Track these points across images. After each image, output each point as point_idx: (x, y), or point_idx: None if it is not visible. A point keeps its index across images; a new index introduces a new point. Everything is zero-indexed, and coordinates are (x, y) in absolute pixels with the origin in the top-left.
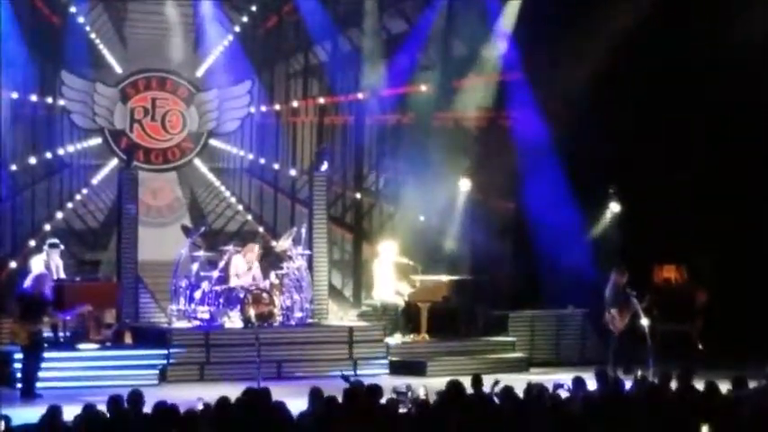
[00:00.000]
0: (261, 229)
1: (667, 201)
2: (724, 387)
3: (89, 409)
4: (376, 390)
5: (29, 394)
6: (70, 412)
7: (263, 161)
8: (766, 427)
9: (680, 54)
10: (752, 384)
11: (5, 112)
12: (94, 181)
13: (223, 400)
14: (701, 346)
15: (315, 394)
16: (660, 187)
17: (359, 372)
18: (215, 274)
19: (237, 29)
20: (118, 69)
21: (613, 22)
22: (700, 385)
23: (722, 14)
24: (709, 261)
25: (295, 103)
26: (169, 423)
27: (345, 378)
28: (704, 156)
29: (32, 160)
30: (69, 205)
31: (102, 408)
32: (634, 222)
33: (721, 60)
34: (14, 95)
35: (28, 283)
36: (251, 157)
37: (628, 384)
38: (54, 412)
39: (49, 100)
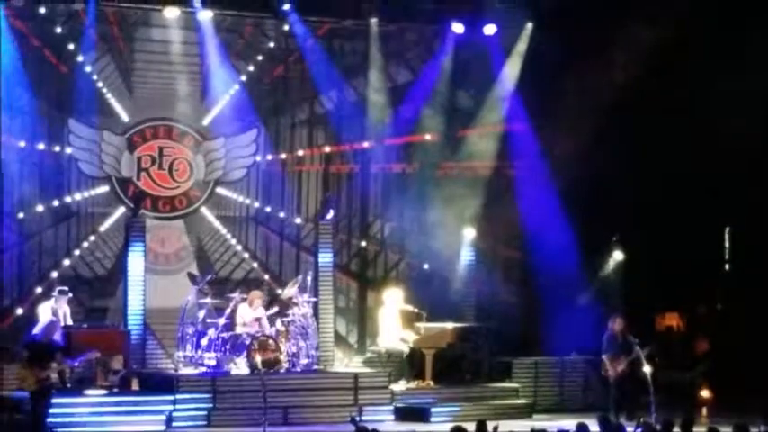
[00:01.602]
0: (267, 277)
1: (669, 248)
2: None
3: None
4: None
5: None
6: None
7: (268, 209)
8: None
9: (681, 104)
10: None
11: (13, 160)
12: (102, 228)
13: None
14: (706, 394)
15: None
16: (663, 236)
17: (363, 418)
18: (221, 320)
19: (244, 78)
20: (125, 118)
21: (613, 73)
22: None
23: (716, 60)
24: (709, 309)
25: (300, 152)
26: None
27: (354, 422)
28: (705, 206)
29: (40, 208)
30: (77, 252)
31: None
32: (637, 270)
33: (723, 107)
34: (22, 144)
35: (38, 330)
36: (257, 205)
37: (630, 430)
38: None
39: (57, 148)
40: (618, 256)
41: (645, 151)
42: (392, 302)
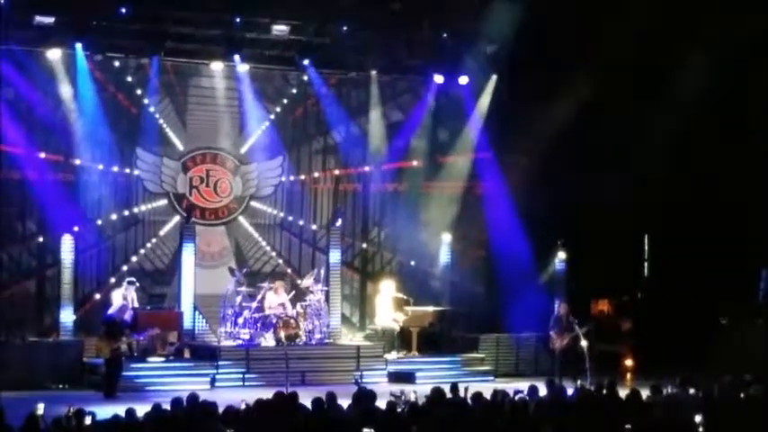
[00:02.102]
0: (289, 271)
1: (602, 250)
2: (644, 393)
3: (157, 407)
4: (374, 395)
5: (110, 396)
6: (142, 410)
7: (291, 218)
8: (674, 423)
9: (611, 137)
10: (665, 391)
11: (93, 179)
12: (161, 233)
13: (260, 402)
14: (629, 362)
15: (330, 397)
16: (597, 241)
17: (364, 380)
18: (254, 304)
19: (272, 117)
20: (180, 147)
21: (557, 113)
22: (626, 392)
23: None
24: (631, 298)
25: (316, 174)
26: (217, 418)
27: (357, 383)
28: (630, 218)
29: (113, 216)
30: (142, 251)
31: (167, 406)
32: (576, 266)
33: (642, 140)
34: (100, 167)
35: (111, 311)
36: (282, 215)
37: (570, 391)
38: (130, 411)
39: (127, 170)
40: (561, 255)
41: (583, 173)
42: (386, 291)
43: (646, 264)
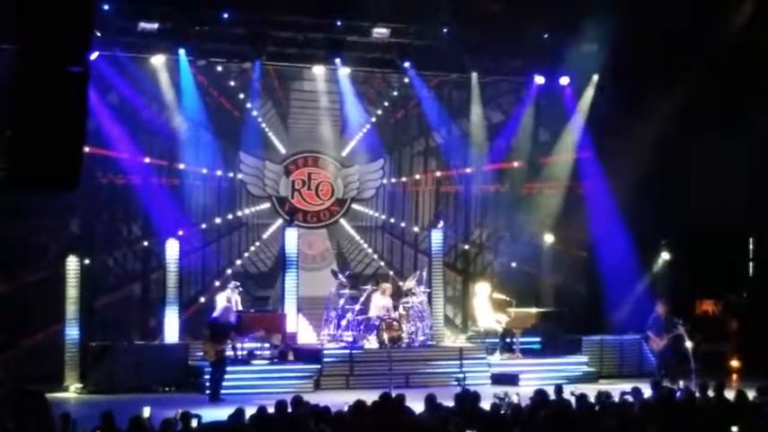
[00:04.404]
0: (391, 273)
1: (706, 250)
2: (751, 395)
3: (262, 410)
4: (477, 396)
5: (215, 399)
6: (247, 413)
7: (393, 220)
8: None
9: (714, 140)
10: None
11: (197, 183)
12: (264, 236)
13: (361, 403)
14: (736, 363)
15: (430, 399)
16: (702, 241)
17: (466, 382)
18: (357, 306)
19: (373, 119)
20: (282, 150)
21: (659, 113)
22: (732, 393)
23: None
24: (737, 297)
25: (417, 176)
26: (322, 421)
27: (459, 381)
28: (734, 218)
29: (218, 220)
30: (245, 254)
31: (271, 409)
32: (681, 266)
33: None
34: (204, 171)
35: (216, 314)
36: (384, 217)
37: (676, 392)
38: (239, 412)
39: (230, 174)
40: (665, 255)
41: (687, 173)
42: (481, 293)
43: (751, 264)
